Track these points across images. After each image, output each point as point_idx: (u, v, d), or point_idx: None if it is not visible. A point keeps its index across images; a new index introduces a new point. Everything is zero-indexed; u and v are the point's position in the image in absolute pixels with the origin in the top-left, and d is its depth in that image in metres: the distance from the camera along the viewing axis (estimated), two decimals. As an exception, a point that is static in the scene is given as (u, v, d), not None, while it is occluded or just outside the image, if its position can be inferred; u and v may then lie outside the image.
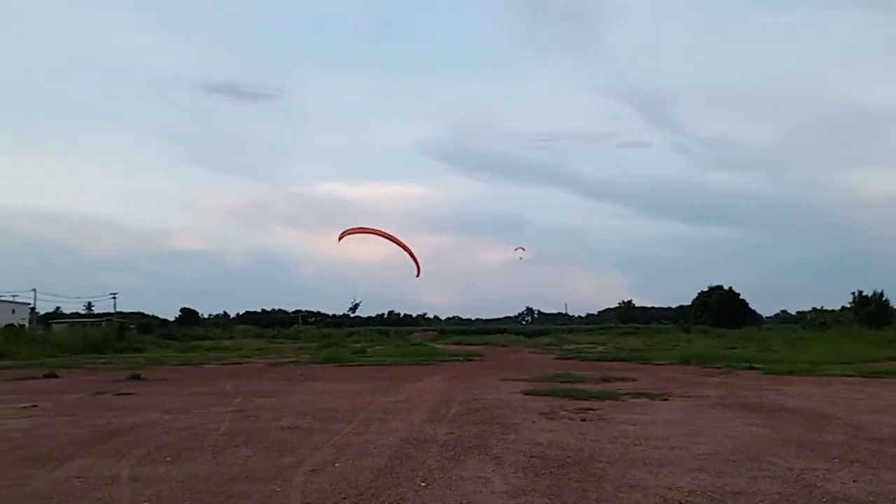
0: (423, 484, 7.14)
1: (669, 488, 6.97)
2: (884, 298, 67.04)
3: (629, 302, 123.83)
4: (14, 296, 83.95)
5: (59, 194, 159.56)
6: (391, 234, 30.15)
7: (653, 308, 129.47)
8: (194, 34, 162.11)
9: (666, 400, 14.81)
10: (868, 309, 65.89)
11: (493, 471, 7.80)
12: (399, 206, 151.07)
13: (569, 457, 8.56)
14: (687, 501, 6.52)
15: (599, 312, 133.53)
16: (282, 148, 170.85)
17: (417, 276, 30.51)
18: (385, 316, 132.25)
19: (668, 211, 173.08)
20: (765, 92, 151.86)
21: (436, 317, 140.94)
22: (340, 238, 28.93)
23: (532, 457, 8.59)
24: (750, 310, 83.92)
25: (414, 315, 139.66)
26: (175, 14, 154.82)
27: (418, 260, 29.83)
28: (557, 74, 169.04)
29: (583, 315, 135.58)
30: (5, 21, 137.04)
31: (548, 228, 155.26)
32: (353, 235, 29.94)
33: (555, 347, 46.53)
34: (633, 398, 15.04)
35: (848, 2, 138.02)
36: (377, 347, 45.32)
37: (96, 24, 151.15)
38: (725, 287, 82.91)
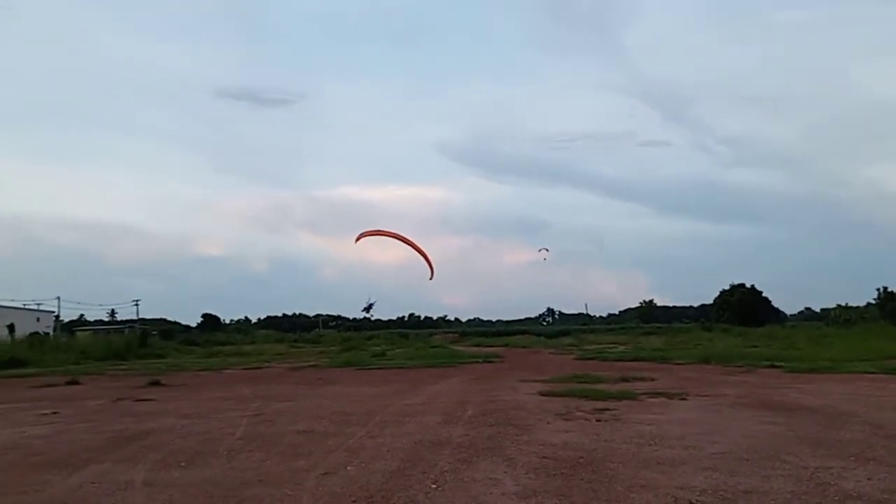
0: (434, 486, 7.15)
1: (681, 488, 6.94)
2: (908, 295, 66.20)
3: (650, 301, 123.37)
4: (38, 304, 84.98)
5: (81, 202, 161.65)
6: (406, 236, 30.26)
7: (674, 307, 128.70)
8: (213, 41, 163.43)
9: (684, 399, 14.73)
10: (894, 305, 64.99)
11: (505, 472, 7.79)
12: (419, 209, 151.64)
13: (581, 457, 8.54)
14: (698, 501, 6.48)
15: (620, 312, 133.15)
16: (302, 153, 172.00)
17: (431, 278, 30.60)
18: (405, 319, 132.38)
19: (689, 209, 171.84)
20: (785, 88, 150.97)
21: (456, 319, 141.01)
22: (357, 240, 29.12)
23: (544, 458, 8.57)
24: (773, 307, 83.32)
25: (434, 317, 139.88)
26: (193, 22, 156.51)
27: (432, 262, 29.90)
28: (576, 75, 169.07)
29: (604, 315, 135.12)
30: (28, 31, 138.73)
31: (568, 229, 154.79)
32: (372, 238, 30.12)
33: (575, 348, 46.40)
34: (651, 398, 14.97)
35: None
36: (397, 350, 45.34)
37: (115, 32, 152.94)
38: (748, 285, 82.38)
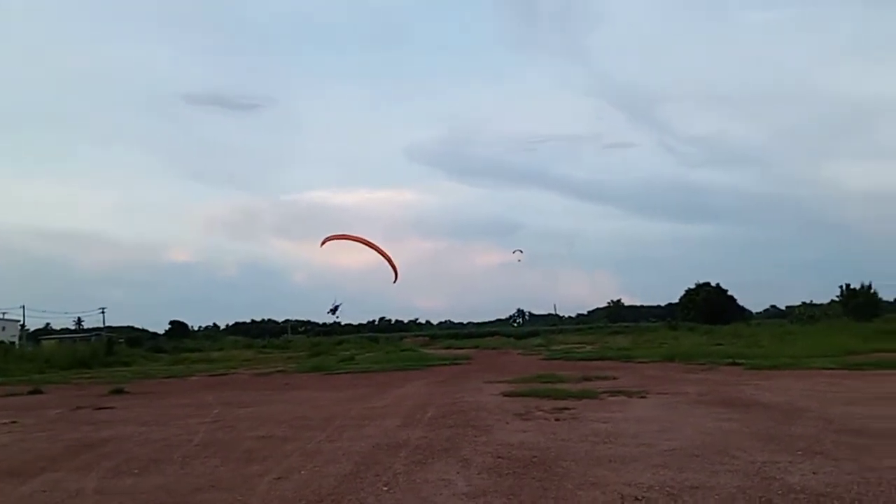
0: (385, 488, 7.19)
1: (629, 484, 7.04)
2: (871, 290, 67.32)
3: (618, 301, 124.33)
4: (3, 313, 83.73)
5: (47, 210, 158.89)
6: (371, 240, 30.29)
7: (642, 307, 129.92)
8: (182, 46, 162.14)
9: (643, 397, 14.90)
10: (856, 301, 65.99)
11: (458, 473, 7.85)
12: (390, 212, 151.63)
13: (535, 456, 8.62)
14: (644, 497, 6.58)
15: (589, 312, 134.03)
16: (271, 157, 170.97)
17: (395, 281, 30.67)
18: (376, 322, 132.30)
19: (657, 210, 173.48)
20: (750, 89, 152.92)
21: (427, 322, 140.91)
22: (322, 244, 29.10)
23: (499, 458, 8.64)
24: (738, 306, 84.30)
25: (406, 321, 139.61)
26: (162, 27, 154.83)
27: (396, 265, 29.97)
28: (544, 77, 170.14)
29: (573, 315, 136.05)
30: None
31: (538, 230, 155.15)
32: (344, 242, 30.11)
33: (543, 348, 46.74)
34: (611, 396, 15.13)
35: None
36: (366, 354, 45.27)
37: (82, 37, 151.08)
38: (714, 284, 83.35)
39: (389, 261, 29.37)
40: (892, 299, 71.50)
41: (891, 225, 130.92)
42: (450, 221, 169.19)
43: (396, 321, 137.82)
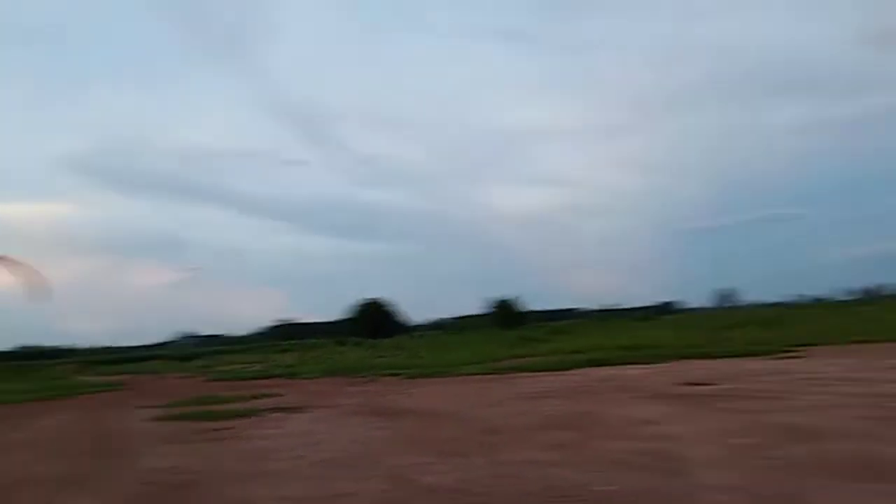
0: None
1: (280, 499, 7.06)
2: (516, 303, 75.44)
3: (288, 318, 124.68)
4: None
5: None
6: (12, 256, 27.45)
7: (313, 323, 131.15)
8: None
9: (303, 412, 15.02)
10: (504, 312, 73.43)
11: (95, 504, 7.33)
12: (41, 227, 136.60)
13: (185, 480, 8.31)
14: (293, 510, 6.65)
15: (259, 331, 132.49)
16: None
17: (38, 301, 28.09)
18: (21, 350, 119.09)
19: (328, 227, 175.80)
20: (415, 113, 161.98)
21: (83, 348, 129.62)
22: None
23: (145, 484, 8.22)
24: (401, 319, 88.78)
25: (57, 346, 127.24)
26: None
27: (44, 284, 27.44)
28: (217, 90, 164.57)
29: (242, 334, 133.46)
30: None
31: (206, 247, 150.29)
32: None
33: (209, 370, 45.22)
34: (272, 413, 15.05)
35: (485, 36, 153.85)
36: (2, 385, 40.49)
37: None
38: (379, 298, 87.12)
39: (35, 279, 26.77)
40: (534, 309, 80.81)
41: (534, 243, 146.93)
42: (111, 238, 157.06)
43: (46, 347, 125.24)
